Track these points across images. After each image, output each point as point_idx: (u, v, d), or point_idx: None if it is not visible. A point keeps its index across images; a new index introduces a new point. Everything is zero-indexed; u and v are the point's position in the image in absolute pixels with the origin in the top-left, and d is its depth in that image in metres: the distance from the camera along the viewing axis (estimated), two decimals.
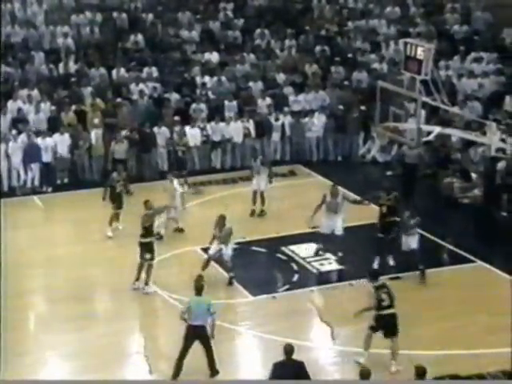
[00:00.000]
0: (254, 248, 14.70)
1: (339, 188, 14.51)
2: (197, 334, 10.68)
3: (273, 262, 14.45)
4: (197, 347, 10.76)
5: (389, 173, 19.11)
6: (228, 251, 13.57)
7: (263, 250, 14.78)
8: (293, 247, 14.86)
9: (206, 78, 20.86)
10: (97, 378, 10.81)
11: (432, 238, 15.13)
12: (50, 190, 18.17)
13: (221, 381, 11.03)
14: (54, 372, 11.36)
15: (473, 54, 22.52)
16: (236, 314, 12.92)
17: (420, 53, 17.54)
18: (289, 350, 9.60)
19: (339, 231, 14.31)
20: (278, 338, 11.68)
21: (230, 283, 13.56)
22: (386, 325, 11.01)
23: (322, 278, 14.01)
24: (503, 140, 17.27)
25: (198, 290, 10.93)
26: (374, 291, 11.06)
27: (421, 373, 9.26)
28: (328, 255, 14.59)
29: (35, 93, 19.51)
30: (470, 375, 10.66)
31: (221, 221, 13.57)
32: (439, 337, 11.85)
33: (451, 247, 14.75)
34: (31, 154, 18.09)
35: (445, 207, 16.77)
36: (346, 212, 14.39)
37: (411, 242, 13.60)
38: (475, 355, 11.27)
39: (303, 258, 14.56)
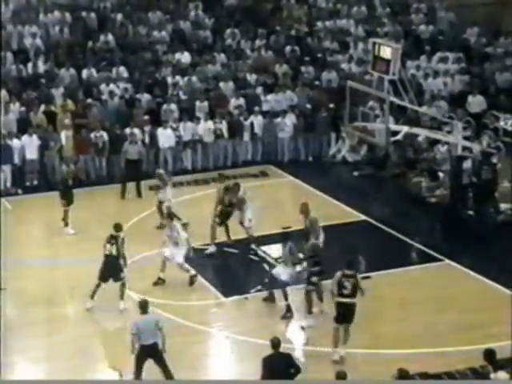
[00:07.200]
0: (226, 249, 14.76)
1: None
2: (149, 353, 10.45)
3: (245, 263, 14.55)
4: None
5: (355, 173, 19.29)
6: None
7: (235, 250, 14.88)
8: (264, 248, 14.95)
9: (177, 79, 20.87)
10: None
11: (400, 236, 15.39)
12: (20, 191, 18.07)
13: (221, 381, 11.10)
14: (23, 377, 11.26)
15: (438, 54, 22.85)
16: (208, 316, 12.98)
17: (388, 53, 17.81)
18: (276, 342, 9.70)
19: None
20: (251, 339, 11.81)
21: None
22: None
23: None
24: (469, 139, 17.59)
25: (143, 308, 10.63)
26: None
27: (404, 375, 9.39)
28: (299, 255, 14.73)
29: (4, 93, 19.36)
30: (438, 373, 10.89)
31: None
32: (408, 335, 12.04)
33: (419, 246, 15.00)
34: (3, 155, 17.94)
35: (412, 206, 17.03)
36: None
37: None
38: (444, 353, 11.49)
39: (275, 259, 14.68)
